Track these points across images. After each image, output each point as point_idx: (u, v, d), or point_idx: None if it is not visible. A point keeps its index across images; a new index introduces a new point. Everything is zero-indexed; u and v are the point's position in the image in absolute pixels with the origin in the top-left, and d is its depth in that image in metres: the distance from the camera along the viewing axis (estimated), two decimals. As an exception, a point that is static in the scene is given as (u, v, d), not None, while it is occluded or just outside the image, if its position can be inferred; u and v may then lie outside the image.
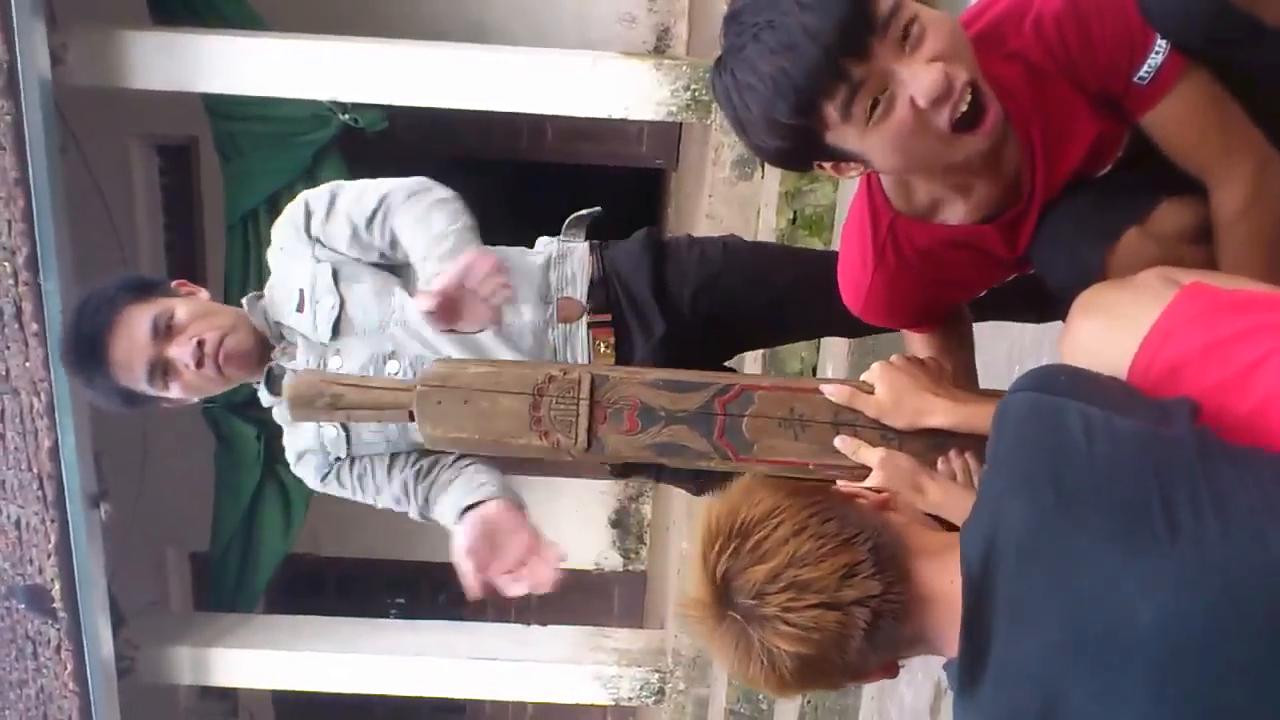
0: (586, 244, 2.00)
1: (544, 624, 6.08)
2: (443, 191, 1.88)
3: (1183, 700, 0.94)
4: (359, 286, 1.90)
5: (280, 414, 2.00)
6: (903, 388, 1.43)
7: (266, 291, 1.99)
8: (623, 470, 1.99)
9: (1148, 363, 1.11)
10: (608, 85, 4.48)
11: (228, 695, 6.78)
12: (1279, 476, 0.97)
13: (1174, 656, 0.93)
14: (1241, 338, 1.06)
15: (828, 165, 1.31)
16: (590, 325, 1.94)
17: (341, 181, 1.96)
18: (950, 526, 1.30)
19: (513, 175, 7.38)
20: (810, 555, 1.07)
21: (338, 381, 1.57)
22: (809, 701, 4.22)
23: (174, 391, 1.91)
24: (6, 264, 4.11)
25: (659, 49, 5.64)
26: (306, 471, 2.00)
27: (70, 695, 4.73)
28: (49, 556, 4.49)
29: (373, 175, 1.96)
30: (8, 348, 4.22)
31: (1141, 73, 1.28)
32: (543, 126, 5.69)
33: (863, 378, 1.48)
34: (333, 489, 2.01)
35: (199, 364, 1.86)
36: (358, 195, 1.90)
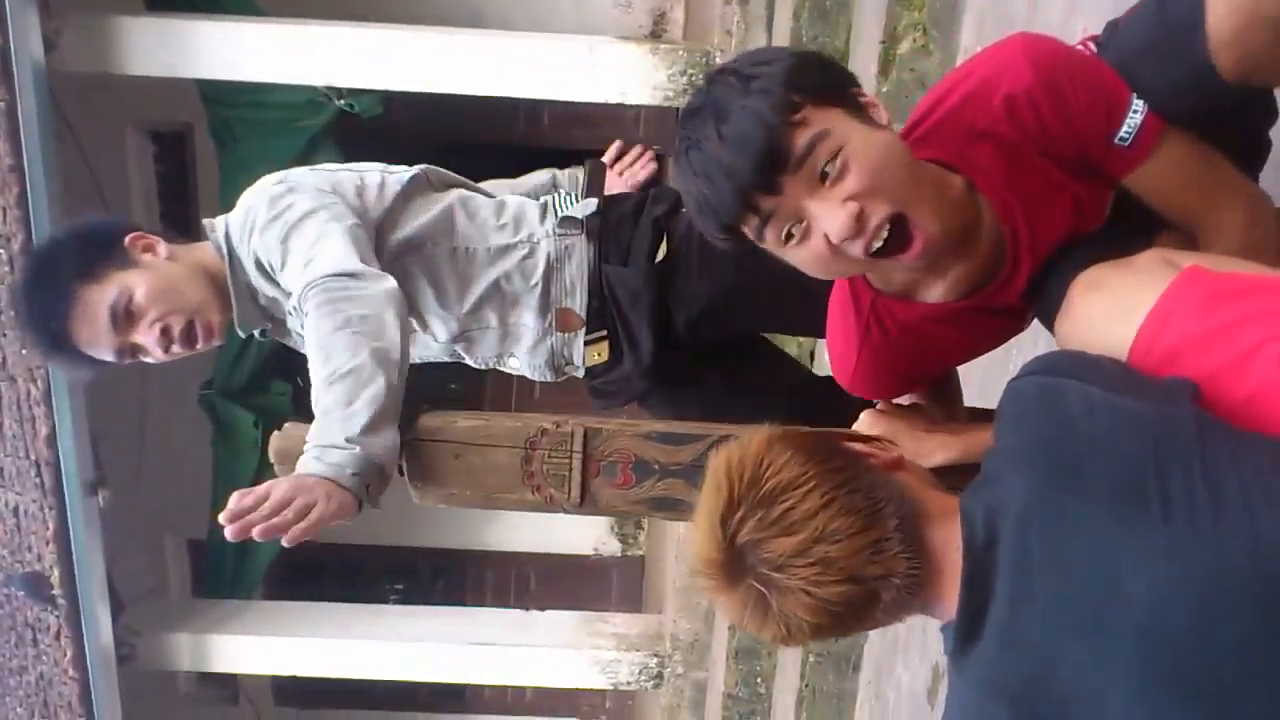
0: (585, 243, 1.92)
1: (543, 609, 6.09)
2: (360, 300, 1.63)
3: (1171, 675, 0.95)
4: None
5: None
6: (896, 432, 1.43)
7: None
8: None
9: (1147, 347, 1.11)
10: (604, 70, 4.47)
11: (227, 681, 6.80)
12: (1274, 459, 0.98)
13: (1163, 632, 0.95)
14: (1238, 324, 1.06)
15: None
16: (586, 342, 1.93)
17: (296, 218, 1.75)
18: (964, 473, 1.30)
19: (509, 161, 7.34)
20: (840, 531, 1.05)
21: None
22: (807, 685, 4.23)
23: (151, 361, 1.84)
24: (2, 251, 4.10)
25: (655, 34, 5.62)
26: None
27: (70, 682, 4.75)
28: (48, 544, 4.49)
29: (369, 161, 1.94)
30: (4, 335, 4.21)
31: (1121, 134, 1.27)
32: (540, 112, 5.67)
33: (853, 429, 1.47)
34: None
35: (167, 349, 1.79)
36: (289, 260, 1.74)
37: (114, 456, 4.78)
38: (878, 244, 1.20)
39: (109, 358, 1.81)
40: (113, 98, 5.04)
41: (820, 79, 1.21)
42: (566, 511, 1.53)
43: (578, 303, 1.93)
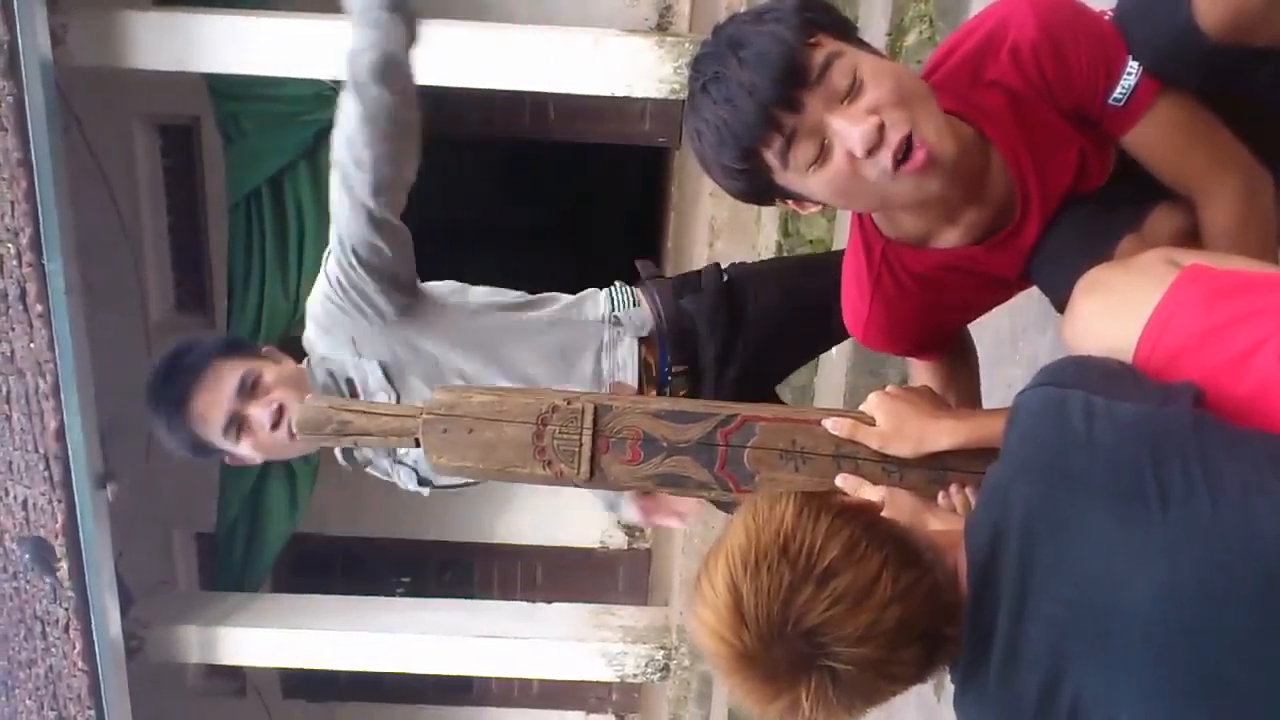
0: (632, 340, 2.00)
1: (549, 601, 6.11)
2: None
3: (1179, 672, 0.95)
4: (413, 380, 1.92)
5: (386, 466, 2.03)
6: (903, 415, 1.43)
7: (317, 358, 1.97)
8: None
9: (1150, 348, 1.12)
10: (610, 63, 4.47)
11: (236, 674, 6.82)
12: (1270, 452, 0.98)
13: (1167, 629, 0.94)
14: (1239, 322, 1.06)
15: (789, 201, 1.34)
16: (672, 375, 1.99)
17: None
18: None
19: (515, 154, 7.36)
20: (907, 588, 1.03)
21: (345, 407, 1.60)
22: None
23: (244, 449, 1.95)
24: (10, 245, 4.11)
25: (661, 26, 5.62)
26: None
27: (79, 674, 4.77)
28: (56, 537, 4.51)
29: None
30: (12, 329, 4.23)
31: (1116, 94, 1.29)
32: (545, 105, 5.66)
33: (860, 409, 1.47)
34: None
35: (274, 426, 1.91)
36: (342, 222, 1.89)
37: (122, 450, 4.79)
38: (900, 156, 1.22)
39: (215, 427, 1.92)
40: (120, 92, 5.05)
41: (830, 16, 1.26)
42: (576, 485, 1.56)
43: (630, 375, 1.99)
